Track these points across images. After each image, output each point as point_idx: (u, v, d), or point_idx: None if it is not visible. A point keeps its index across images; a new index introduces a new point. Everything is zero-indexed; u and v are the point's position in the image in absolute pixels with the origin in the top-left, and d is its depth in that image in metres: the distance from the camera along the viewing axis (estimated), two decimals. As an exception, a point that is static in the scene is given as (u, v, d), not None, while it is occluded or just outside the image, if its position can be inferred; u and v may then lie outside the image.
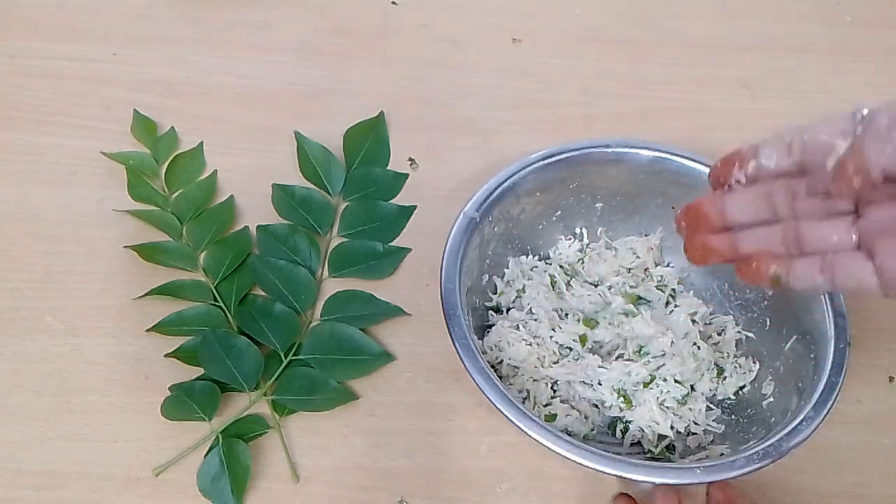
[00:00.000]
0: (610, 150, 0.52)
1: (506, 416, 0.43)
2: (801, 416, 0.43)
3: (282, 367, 0.51)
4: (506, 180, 0.51)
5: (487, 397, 0.43)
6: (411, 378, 0.53)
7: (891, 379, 0.54)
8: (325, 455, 0.50)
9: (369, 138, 0.62)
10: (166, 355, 0.51)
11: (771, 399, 0.48)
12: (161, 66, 0.66)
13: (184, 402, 0.49)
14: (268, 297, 0.54)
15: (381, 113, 0.63)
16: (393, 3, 0.72)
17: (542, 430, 0.42)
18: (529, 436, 0.42)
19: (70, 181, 0.59)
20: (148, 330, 0.52)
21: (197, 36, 0.68)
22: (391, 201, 0.59)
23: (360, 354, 0.52)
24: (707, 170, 0.45)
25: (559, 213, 0.55)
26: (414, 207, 0.59)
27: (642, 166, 0.53)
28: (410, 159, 0.62)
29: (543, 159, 0.52)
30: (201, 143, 0.62)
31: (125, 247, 0.56)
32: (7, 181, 0.59)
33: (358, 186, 0.60)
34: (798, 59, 0.71)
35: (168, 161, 0.61)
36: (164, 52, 0.67)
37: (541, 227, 0.55)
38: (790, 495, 0.50)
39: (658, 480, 0.41)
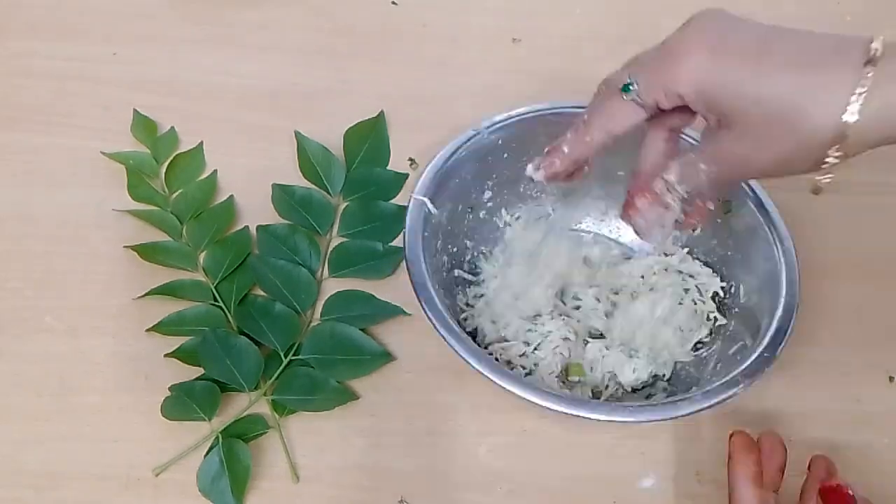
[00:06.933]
0: (550, 110, 0.51)
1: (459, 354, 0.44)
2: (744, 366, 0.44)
3: (282, 367, 0.51)
4: (451, 155, 0.52)
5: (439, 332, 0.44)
6: (411, 378, 0.52)
7: (891, 379, 0.54)
8: (325, 455, 0.50)
9: (369, 138, 0.62)
10: (166, 355, 0.51)
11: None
12: (161, 66, 0.66)
13: (184, 402, 0.49)
14: (268, 297, 0.54)
15: (381, 113, 0.63)
16: (393, 3, 0.72)
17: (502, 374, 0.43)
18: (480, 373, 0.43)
19: (70, 181, 0.59)
20: (148, 330, 0.52)
21: (197, 36, 0.68)
22: (391, 201, 0.59)
23: (360, 354, 0.52)
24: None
25: (505, 191, 0.55)
26: (414, 207, 0.59)
27: None
28: (410, 159, 0.62)
29: (487, 127, 0.53)
30: (201, 143, 0.62)
31: (125, 247, 0.56)
32: (7, 181, 0.59)
33: (358, 186, 0.60)
34: (798, 59, 0.71)
35: (168, 161, 0.61)
36: (164, 52, 0.67)
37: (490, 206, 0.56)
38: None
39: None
